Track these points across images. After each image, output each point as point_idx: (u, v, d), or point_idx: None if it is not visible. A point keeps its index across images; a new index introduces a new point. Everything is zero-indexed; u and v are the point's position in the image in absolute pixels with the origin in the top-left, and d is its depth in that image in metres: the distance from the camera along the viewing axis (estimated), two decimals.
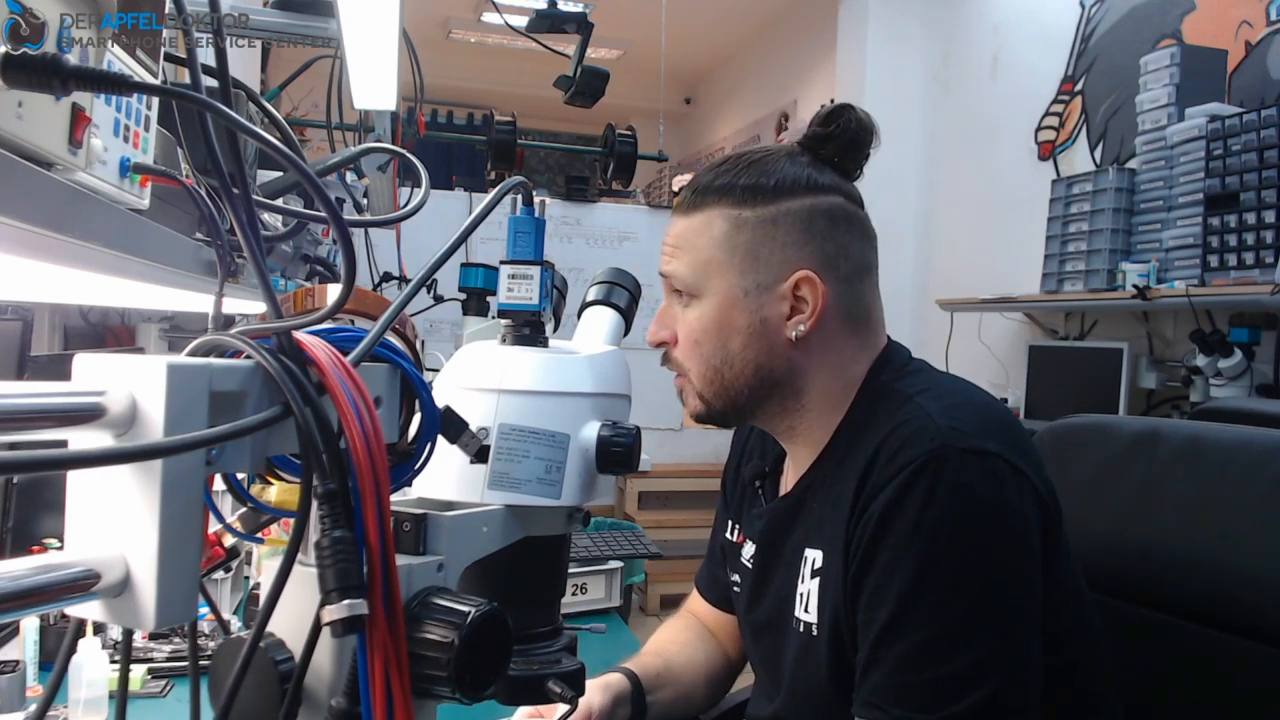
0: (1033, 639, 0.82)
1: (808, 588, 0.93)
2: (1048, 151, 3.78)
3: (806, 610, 0.93)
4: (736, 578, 1.10)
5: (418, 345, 0.63)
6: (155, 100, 0.66)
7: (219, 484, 0.52)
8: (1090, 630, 0.92)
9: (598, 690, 1.04)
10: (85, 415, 0.40)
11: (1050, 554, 0.85)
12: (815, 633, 0.91)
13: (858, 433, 0.92)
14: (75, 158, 0.53)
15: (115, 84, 0.45)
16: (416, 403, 0.56)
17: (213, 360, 0.45)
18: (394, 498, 0.57)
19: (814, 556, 0.93)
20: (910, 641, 0.80)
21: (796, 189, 0.92)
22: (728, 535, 1.15)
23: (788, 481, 1.04)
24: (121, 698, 0.56)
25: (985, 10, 4.19)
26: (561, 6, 2.65)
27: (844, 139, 0.93)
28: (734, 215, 0.92)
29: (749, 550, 1.06)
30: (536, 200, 0.70)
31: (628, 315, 0.84)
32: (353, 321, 0.58)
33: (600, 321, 0.83)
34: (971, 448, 0.82)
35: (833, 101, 0.96)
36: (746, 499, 1.11)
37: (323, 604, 0.45)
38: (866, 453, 0.87)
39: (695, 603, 1.26)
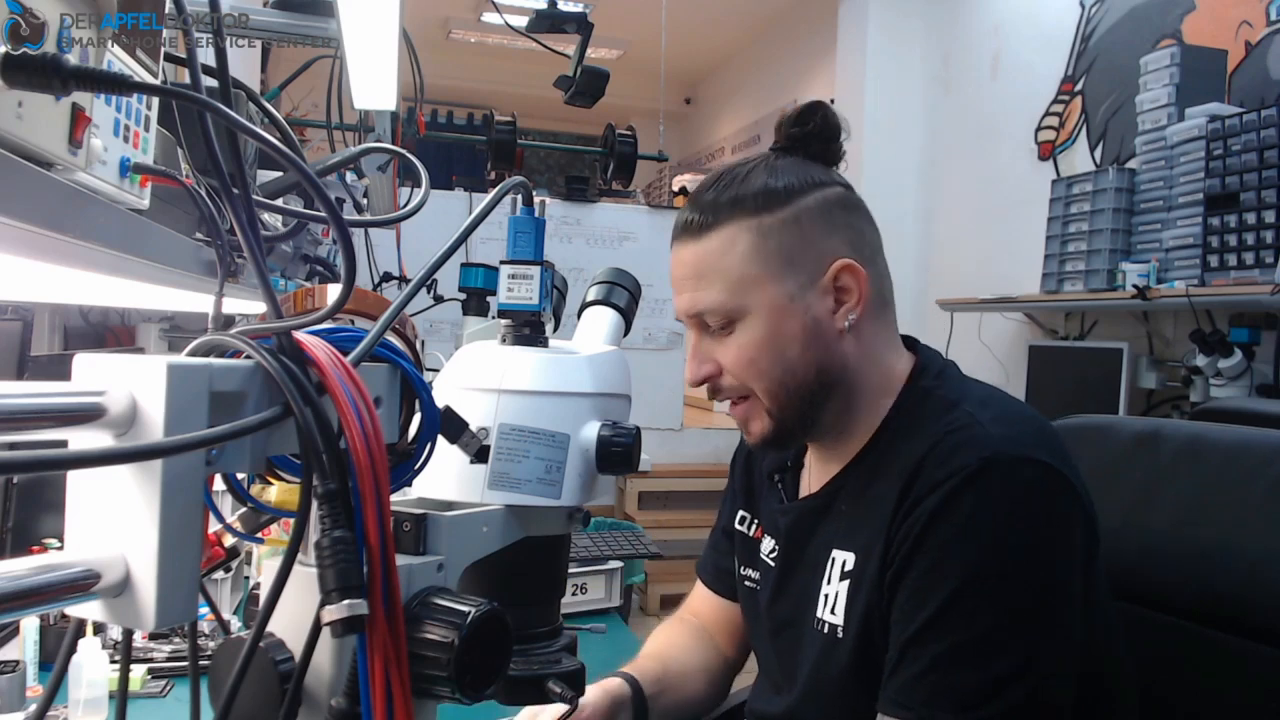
0: (1069, 650, 0.82)
1: (834, 589, 0.92)
2: (1048, 151, 3.78)
3: (832, 612, 0.92)
4: (752, 573, 1.08)
5: (418, 345, 0.63)
6: (155, 100, 0.66)
7: (219, 484, 0.52)
8: (1113, 632, 0.91)
9: (596, 691, 1.03)
10: (85, 415, 0.40)
11: (1089, 564, 0.85)
12: (840, 635, 0.90)
13: (900, 436, 0.91)
14: (75, 158, 0.53)
15: (115, 84, 0.45)
16: (416, 403, 0.56)
17: (213, 360, 0.45)
18: (394, 498, 0.57)
19: (844, 559, 0.92)
20: (948, 643, 0.79)
21: (804, 186, 0.92)
22: (740, 527, 1.13)
23: (810, 478, 1.03)
24: (121, 698, 0.56)
25: (985, 10, 4.19)
26: (561, 6, 2.65)
27: (822, 134, 0.96)
28: (755, 225, 0.91)
29: (769, 546, 1.05)
30: (536, 200, 0.70)
31: (628, 315, 0.84)
32: (353, 321, 0.58)
33: (600, 321, 0.83)
34: (1024, 456, 0.82)
35: (795, 102, 0.97)
36: (764, 492, 1.10)
37: (323, 604, 0.45)
38: (913, 456, 0.86)
39: (696, 600, 1.24)
